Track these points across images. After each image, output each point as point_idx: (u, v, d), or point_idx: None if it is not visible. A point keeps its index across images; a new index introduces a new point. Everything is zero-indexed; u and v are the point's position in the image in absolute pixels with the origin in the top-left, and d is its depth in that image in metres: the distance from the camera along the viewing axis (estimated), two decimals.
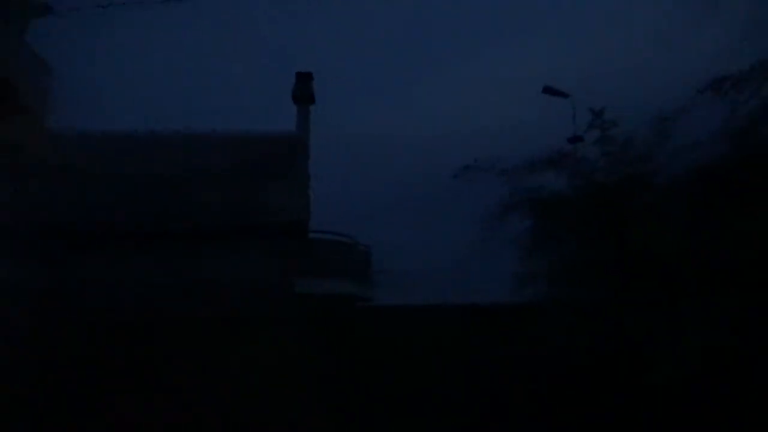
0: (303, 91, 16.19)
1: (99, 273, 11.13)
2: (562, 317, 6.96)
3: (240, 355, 10.00)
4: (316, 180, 15.27)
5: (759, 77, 6.45)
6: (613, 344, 6.65)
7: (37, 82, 12.24)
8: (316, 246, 13.87)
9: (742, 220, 5.86)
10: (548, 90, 18.65)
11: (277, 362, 10.03)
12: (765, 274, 5.95)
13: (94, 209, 11.85)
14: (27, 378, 9.58)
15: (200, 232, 11.90)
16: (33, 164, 12.62)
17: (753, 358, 6.02)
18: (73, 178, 12.52)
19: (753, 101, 6.39)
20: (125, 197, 12.29)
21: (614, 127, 6.66)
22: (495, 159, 6.85)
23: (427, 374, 9.44)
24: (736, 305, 5.90)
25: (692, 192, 6.36)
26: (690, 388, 6.30)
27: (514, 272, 7.34)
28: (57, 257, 11.00)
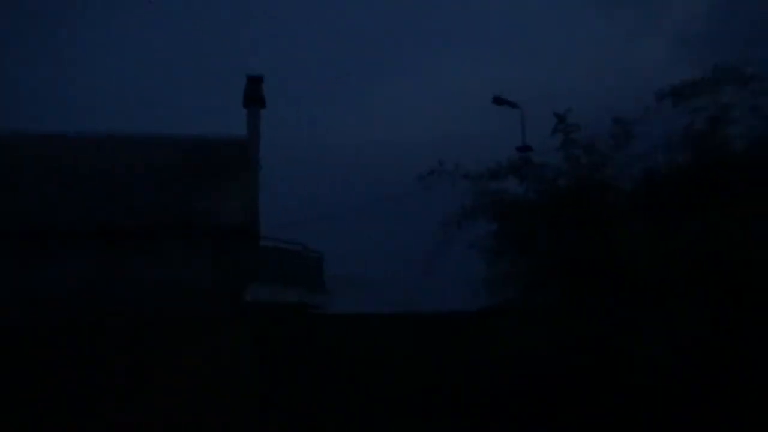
0: (253, 94, 15.81)
1: (37, 274, 10.48)
2: (522, 322, 6.87)
3: (179, 361, 9.60)
4: (268, 185, 14.89)
5: (715, 84, 6.56)
6: (573, 348, 6.59)
7: None
8: (266, 252, 13.48)
9: (702, 223, 5.91)
10: (498, 100, 18.89)
11: (219, 369, 9.65)
12: (722, 278, 6.01)
13: (33, 211, 11.16)
14: None
15: (143, 235, 11.35)
16: None
17: (712, 364, 6.06)
18: (11, 180, 11.82)
19: (711, 107, 6.48)
20: (67, 198, 11.64)
21: (577, 130, 6.62)
22: (457, 164, 6.71)
23: (379, 383, 9.22)
24: (695, 311, 5.93)
25: (653, 196, 6.37)
26: (650, 393, 6.30)
27: (474, 278, 7.22)
28: None
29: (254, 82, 15.81)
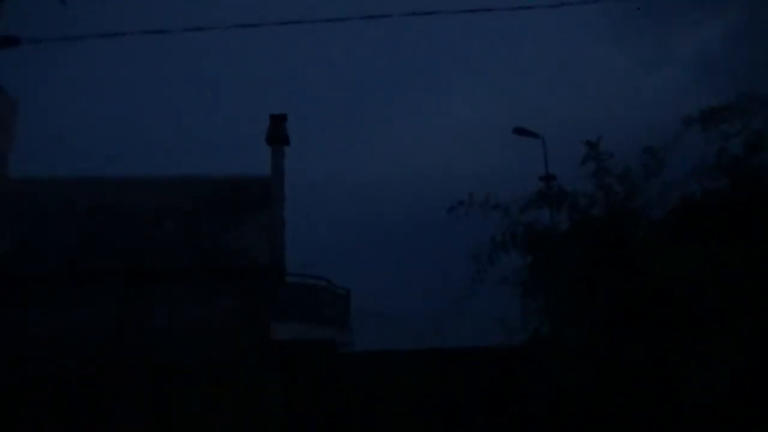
0: (277, 132, 16.00)
1: (59, 318, 10.53)
2: (558, 358, 6.68)
3: (207, 403, 9.50)
4: (292, 222, 14.94)
5: (746, 109, 6.45)
6: (612, 385, 6.37)
7: (2, 119, 11.83)
8: (292, 289, 13.41)
9: (740, 249, 5.74)
10: (519, 131, 18.84)
11: (248, 411, 9.54)
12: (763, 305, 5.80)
13: (61, 253, 11.30)
14: None
15: (170, 276, 11.42)
16: None
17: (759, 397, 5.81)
18: (39, 223, 12.02)
19: (744, 132, 6.37)
20: (94, 241, 11.78)
21: (609, 158, 6.54)
22: (488, 195, 6.63)
23: (412, 424, 9.02)
24: (737, 342, 5.72)
25: (690, 223, 6.22)
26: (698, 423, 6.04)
27: (507, 313, 7.06)
28: (8, 302, 10.37)
29: (278, 121, 16.04)
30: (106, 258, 11.53)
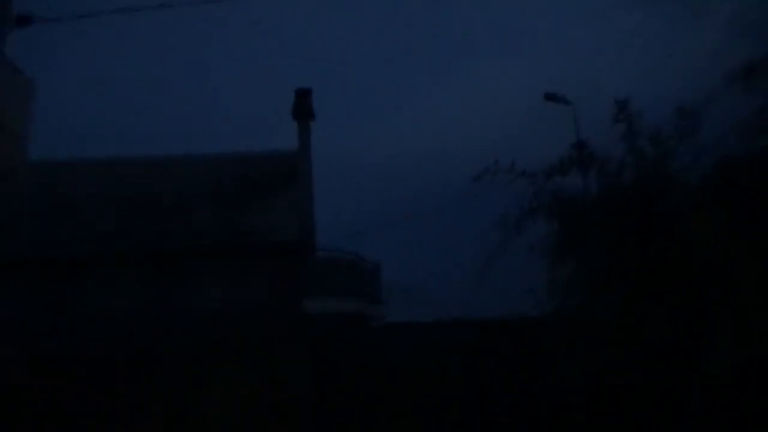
0: (303, 107, 15.88)
1: (92, 301, 10.69)
2: (588, 329, 6.47)
3: (237, 380, 9.59)
4: (320, 197, 14.89)
5: None
6: (644, 358, 6.14)
7: (16, 97, 11.94)
8: (322, 264, 13.40)
9: None
10: (550, 97, 18.33)
11: (278, 388, 9.60)
12: None
13: (90, 236, 11.44)
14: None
15: (199, 255, 11.46)
16: (15, 191, 12.29)
17: None
18: (61, 205, 12.18)
19: None
20: (120, 221, 11.89)
21: (640, 120, 6.21)
22: (513, 162, 6.40)
23: (442, 395, 8.94)
24: None
25: (729, 186, 5.88)
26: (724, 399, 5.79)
27: (535, 283, 6.86)
28: (45, 287, 10.58)
29: (303, 95, 15.90)
30: (136, 240, 11.62)
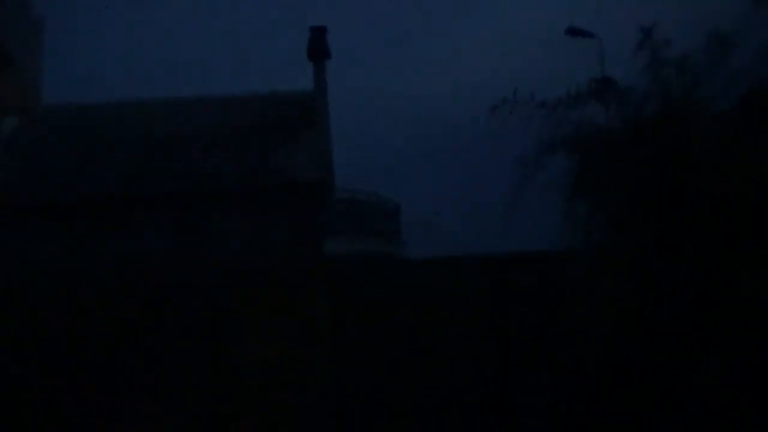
0: (318, 46, 15.50)
1: (113, 244, 10.89)
2: (608, 266, 6.36)
3: (258, 320, 9.80)
4: (339, 137, 14.72)
5: None
6: (668, 296, 6.00)
7: (26, 36, 11.78)
8: (341, 204, 13.41)
9: None
10: (572, 31, 17.61)
11: (298, 327, 9.80)
12: None
13: (112, 178, 11.55)
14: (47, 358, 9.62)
15: (220, 197, 11.52)
16: (36, 134, 12.35)
17: None
18: (88, 149, 12.25)
19: None
20: (142, 164, 11.94)
21: (667, 47, 5.89)
22: (532, 93, 6.16)
23: (459, 331, 8.98)
24: None
25: (760, 116, 5.60)
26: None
27: (554, 220, 6.73)
28: (66, 232, 10.79)
29: (318, 33, 15.49)
30: (158, 184, 11.70)
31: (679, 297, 5.92)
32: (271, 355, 9.71)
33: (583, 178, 6.17)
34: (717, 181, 5.31)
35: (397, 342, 8.85)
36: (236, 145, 12.94)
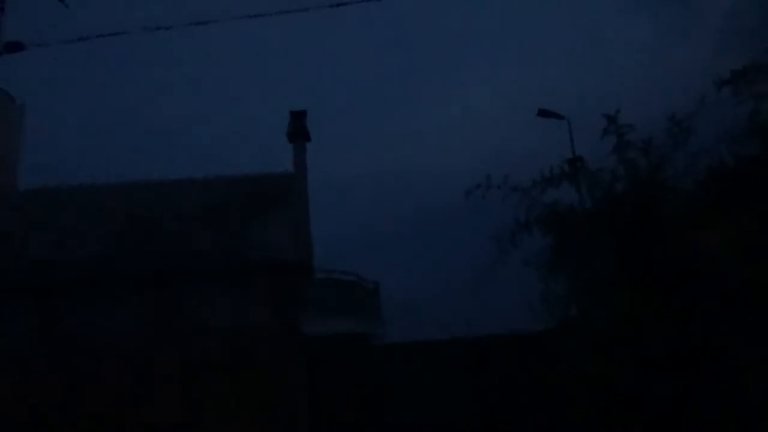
0: (298, 128, 15.93)
1: (94, 322, 10.70)
2: (587, 343, 6.42)
3: (236, 400, 9.54)
4: (318, 217, 14.87)
5: None
6: (648, 369, 6.07)
7: (6, 123, 11.96)
8: (321, 284, 13.35)
9: None
10: (543, 113, 18.36)
11: (277, 407, 9.55)
12: None
13: (93, 259, 11.45)
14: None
15: (199, 276, 11.47)
16: (11, 218, 12.28)
17: None
18: (59, 230, 12.18)
19: None
20: (119, 244, 11.90)
21: (631, 131, 6.24)
22: (506, 177, 6.41)
23: (444, 411, 8.87)
24: None
25: (720, 193, 5.89)
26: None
27: (532, 297, 6.82)
28: (39, 312, 10.58)
29: (298, 117, 15.96)
30: (136, 262, 11.64)
31: (658, 370, 5.98)
32: None
33: (560, 255, 6.33)
34: (682, 255, 5.52)
35: (380, 427, 8.67)
36: (215, 224, 13.00)
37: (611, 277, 6.12)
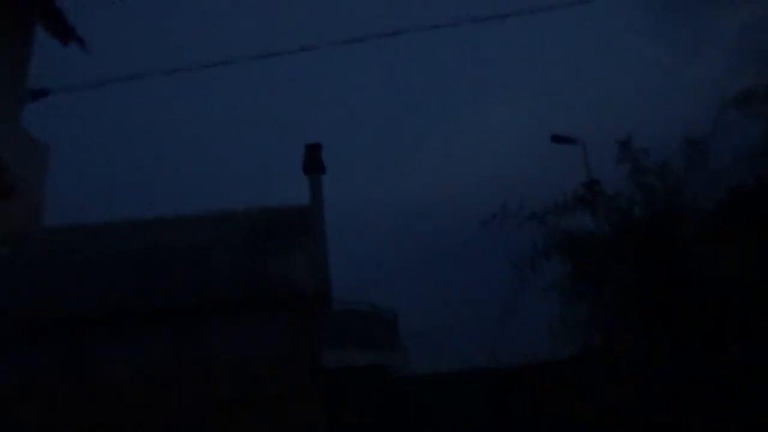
0: (313, 161, 16.10)
1: (112, 358, 10.73)
2: (609, 370, 6.33)
3: None
4: (335, 248, 14.91)
5: None
6: (669, 398, 5.95)
7: (32, 165, 12.23)
8: (340, 316, 13.34)
9: None
10: (557, 138, 18.40)
11: None
12: None
13: (104, 296, 11.54)
14: None
15: (216, 309, 11.50)
16: (34, 256, 12.46)
17: None
18: (79, 267, 12.33)
19: None
20: (138, 279, 12.00)
21: (645, 156, 6.23)
22: (521, 204, 6.41)
23: None
24: None
25: (740, 215, 5.84)
26: None
27: (553, 324, 6.76)
28: (66, 350, 10.65)
29: (313, 150, 16.15)
30: (156, 297, 11.71)
31: (680, 398, 5.88)
32: None
33: (579, 282, 6.28)
34: (701, 281, 5.45)
35: None
36: (233, 257, 13.08)
37: (632, 303, 6.05)
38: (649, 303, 6.19)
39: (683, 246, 6.11)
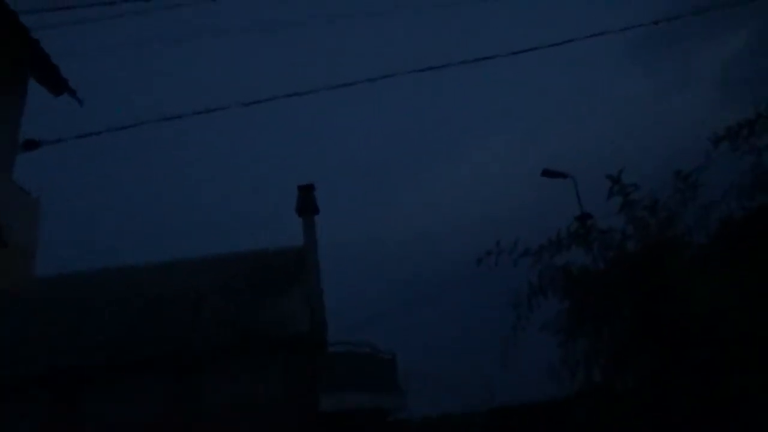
0: (306, 202, 16.16)
1: (111, 407, 10.60)
2: (610, 409, 6.24)
3: None
4: (331, 289, 14.84)
5: None
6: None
7: (23, 218, 12.22)
8: (336, 358, 13.16)
9: None
10: (547, 173, 18.55)
11: None
12: None
13: (97, 347, 11.44)
14: None
15: (214, 355, 11.40)
16: (26, 307, 12.36)
17: None
18: (83, 315, 12.24)
19: None
20: (134, 327, 11.91)
21: (635, 190, 6.27)
22: (514, 242, 6.41)
23: None
24: None
25: (731, 247, 5.86)
26: None
27: (551, 362, 6.69)
28: (60, 399, 10.51)
29: (306, 191, 16.23)
30: (151, 344, 11.61)
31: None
32: None
33: (577, 319, 6.24)
34: (694, 312, 5.44)
35: None
36: (227, 302, 13.00)
37: (630, 339, 6.01)
38: (648, 337, 6.15)
39: (678, 278, 6.09)
